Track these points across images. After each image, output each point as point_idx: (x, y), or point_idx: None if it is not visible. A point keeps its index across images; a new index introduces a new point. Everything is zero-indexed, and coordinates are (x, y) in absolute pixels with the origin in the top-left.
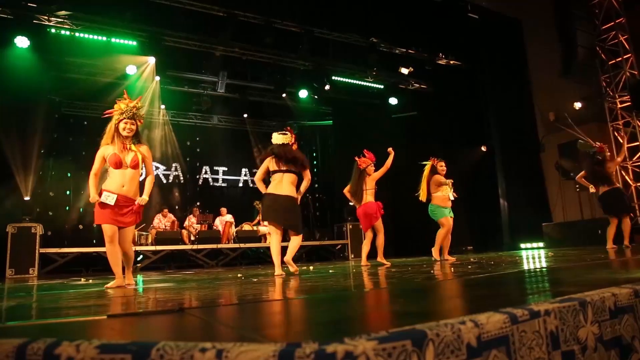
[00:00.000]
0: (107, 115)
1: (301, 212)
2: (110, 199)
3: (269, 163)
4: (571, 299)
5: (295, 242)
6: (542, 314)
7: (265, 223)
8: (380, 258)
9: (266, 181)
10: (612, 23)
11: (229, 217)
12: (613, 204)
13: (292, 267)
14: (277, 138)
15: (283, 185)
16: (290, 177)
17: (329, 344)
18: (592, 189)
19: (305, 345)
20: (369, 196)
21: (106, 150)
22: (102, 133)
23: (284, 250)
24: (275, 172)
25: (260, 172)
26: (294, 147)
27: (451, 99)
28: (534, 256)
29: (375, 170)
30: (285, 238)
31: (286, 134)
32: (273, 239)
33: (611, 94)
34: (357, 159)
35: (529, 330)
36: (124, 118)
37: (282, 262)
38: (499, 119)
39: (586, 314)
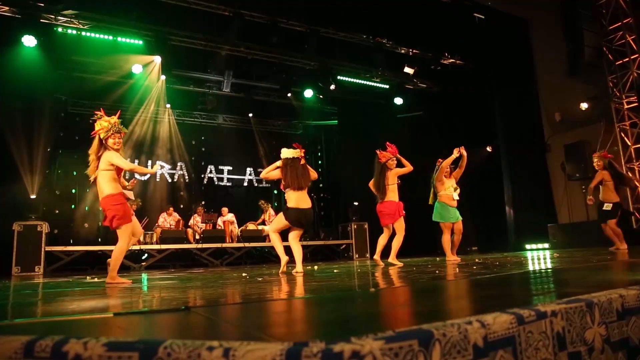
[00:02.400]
0: (93, 135)
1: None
2: (129, 194)
3: (279, 171)
4: (578, 300)
5: (300, 250)
6: (549, 314)
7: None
8: (392, 258)
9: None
10: (620, 23)
11: (229, 217)
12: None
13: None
14: (288, 152)
15: (301, 198)
16: (304, 191)
17: (336, 343)
18: (589, 201)
19: (312, 345)
20: (391, 192)
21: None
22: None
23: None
24: (288, 188)
25: (269, 171)
26: (302, 161)
27: (457, 99)
28: (539, 257)
29: (397, 166)
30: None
31: (296, 149)
32: (276, 236)
33: (618, 94)
34: (378, 152)
35: (536, 331)
36: (112, 133)
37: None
38: (504, 119)
39: (593, 315)
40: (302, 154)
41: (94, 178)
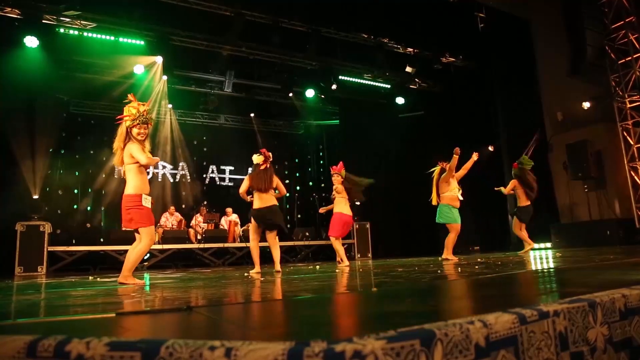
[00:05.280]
0: (119, 121)
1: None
2: (148, 201)
3: (249, 180)
4: (580, 300)
5: (277, 251)
6: (551, 314)
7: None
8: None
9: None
10: (622, 22)
11: (234, 217)
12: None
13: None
14: (255, 158)
15: (265, 198)
16: (268, 193)
17: (337, 343)
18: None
19: (314, 344)
20: (336, 204)
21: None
22: (113, 135)
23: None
24: (254, 190)
25: (243, 187)
26: (263, 166)
27: (459, 99)
28: (541, 257)
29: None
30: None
31: (260, 155)
32: (254, 243)
33: (620, 93)
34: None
35: (538, 330)
36: (138, 123)
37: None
38: (506, 119)
39: (596, 315)
40: (262, 160)
41: (123, 172)
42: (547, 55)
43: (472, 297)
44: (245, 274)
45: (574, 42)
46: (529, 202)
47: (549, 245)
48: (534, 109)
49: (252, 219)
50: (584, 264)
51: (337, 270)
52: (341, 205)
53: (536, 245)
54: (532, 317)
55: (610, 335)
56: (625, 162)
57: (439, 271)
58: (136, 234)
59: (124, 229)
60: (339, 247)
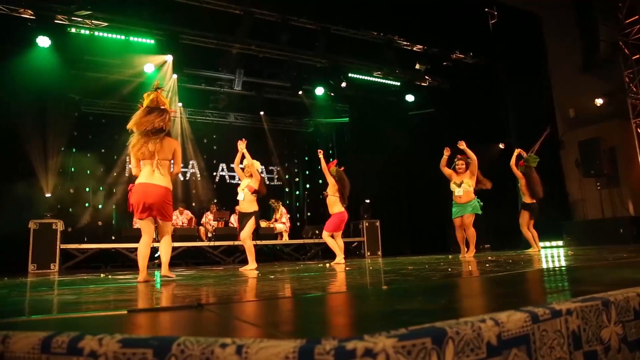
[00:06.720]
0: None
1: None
2: None
3: (260, 184)
4: (594, 299)
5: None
6: (564, 313)
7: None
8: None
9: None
10: (637, 16)
11: None
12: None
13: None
14: (257, 164)
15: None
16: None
17: (348, 341)
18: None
19: (325, 342)
20: (331, 203)
21: None
22: (124, 134)
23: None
24: (259, 194)
25: (256, 175)
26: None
27: (469, 96)
28: (553, 255)
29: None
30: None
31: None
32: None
33: (634, 89)
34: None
35: (550, 329)
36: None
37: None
38: (517, 116)
39: (610, 314)
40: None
41: (156, 163)
42: (559, 51)
43: (484, 295)
44: (257, 271)
45: (586, 37)
46: (533, 201)
47: (560, 243)
48: (545, 105)
49: (254, 219)
50: (596, 262)
51: (327, 266)
52: (338, 205)
53: (547, 244)
54: (545, 315)
55: (625, 335)
56: (639, 159)
57: (449, 269)
58: (161, 224)
59: (160, 220)
60: (332, 242)
